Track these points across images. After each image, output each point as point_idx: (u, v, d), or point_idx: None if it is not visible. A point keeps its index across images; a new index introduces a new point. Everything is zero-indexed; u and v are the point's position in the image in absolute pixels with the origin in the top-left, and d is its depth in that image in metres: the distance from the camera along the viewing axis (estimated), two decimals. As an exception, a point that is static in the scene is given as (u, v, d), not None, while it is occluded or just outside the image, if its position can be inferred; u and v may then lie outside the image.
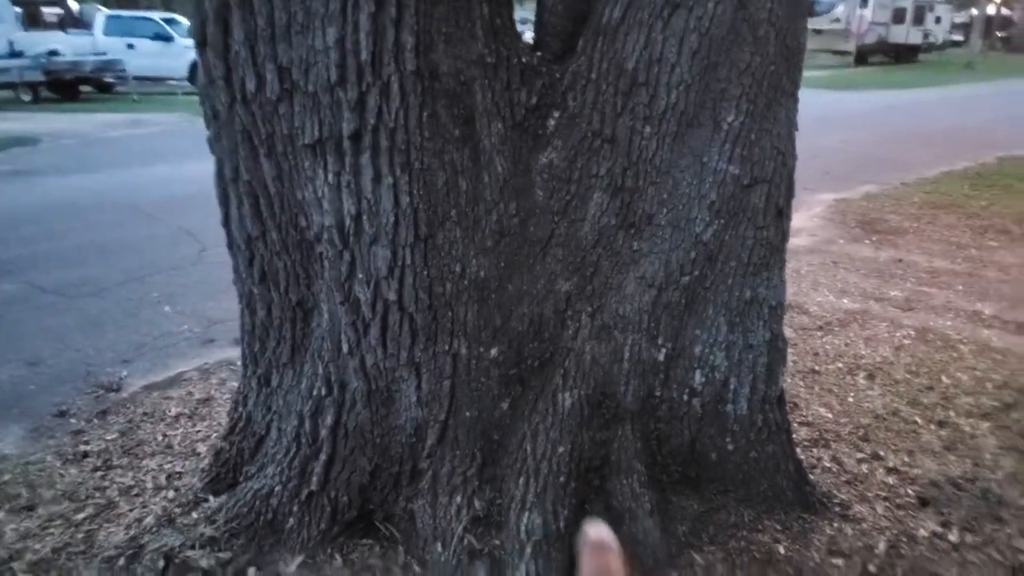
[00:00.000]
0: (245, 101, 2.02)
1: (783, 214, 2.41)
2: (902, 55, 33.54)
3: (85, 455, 3.08)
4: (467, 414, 2.30)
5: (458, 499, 2.31)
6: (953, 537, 2.50)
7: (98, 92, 19.12)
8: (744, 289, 2.43)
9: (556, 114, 2.22)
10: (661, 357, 2.45)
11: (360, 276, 2.13)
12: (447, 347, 2.22)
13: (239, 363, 2.75)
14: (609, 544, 0.45)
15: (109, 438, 3.22)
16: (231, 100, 2.04)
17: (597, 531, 0.46)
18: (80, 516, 2.64)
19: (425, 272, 2.11)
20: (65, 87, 17.97)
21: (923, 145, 11.38)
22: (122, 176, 9.01)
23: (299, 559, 2.36)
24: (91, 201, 7.65)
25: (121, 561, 2.36)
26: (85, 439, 3.23)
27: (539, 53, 2.29)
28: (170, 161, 9.82)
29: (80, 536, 2.53)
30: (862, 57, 31.98)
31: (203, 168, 2.56)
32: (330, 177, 2.02)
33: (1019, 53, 39.15)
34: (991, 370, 3.76)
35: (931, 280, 5.26)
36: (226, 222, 2.32)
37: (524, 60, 2.18)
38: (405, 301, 2.13)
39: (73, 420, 3.42)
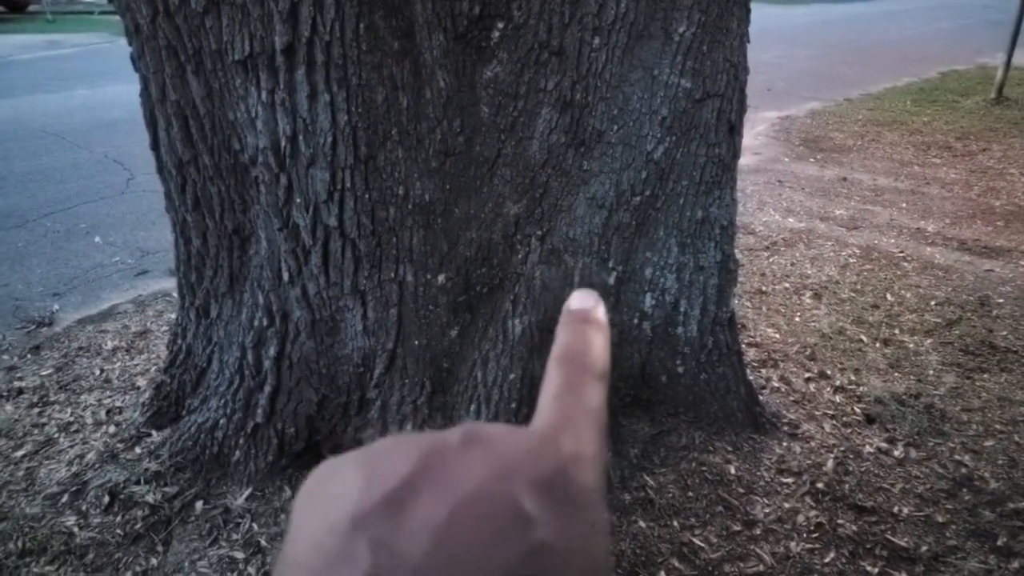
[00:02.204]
0: (169, 14, 1.89)
1: (735, 130, 2.36)
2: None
3: (20, 391, 2.98)
4: (415, 342, 2.25)
5: (408, 428, 2.28)
6: (898, 453, 2.57)
7: (9, 12, 17.92)
8: (695, 209, 2.39)
9: (501, 25, 2.10)
10: (612, 280, 2.42)
11: (298, 201, 2.03)
12: (393, 274, 2.15)
13: (175, 294, 2.66)
14: (594, 314, 0.37)
15: (44, 373, 3.12)
16: (154, 13, 1.90)
17: (581, 299, 0.38)
18: (19, 454, 2.58)
19: (367, 195, 2.01)
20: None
21: (865, 60, 11.39)
22: (40, 101, 8.49)
23: (247, 491, 2.33)
24: (7, 128, 7.20)
25: (65, 498, 2.32)
26: (19, 375, 3.12)
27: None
28: (91, 84, 9.31)
29: (20, 474, 2.47)
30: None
31: (127, 91, 2.41)
32: (263, 95, 1.90)
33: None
34: (934, 287, 3.84)
35: (875, 198, 5.33)
36: (155, 145, 2.20)
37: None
38: (347, 227, 2.05)
39: (5, 356, 3.30)
